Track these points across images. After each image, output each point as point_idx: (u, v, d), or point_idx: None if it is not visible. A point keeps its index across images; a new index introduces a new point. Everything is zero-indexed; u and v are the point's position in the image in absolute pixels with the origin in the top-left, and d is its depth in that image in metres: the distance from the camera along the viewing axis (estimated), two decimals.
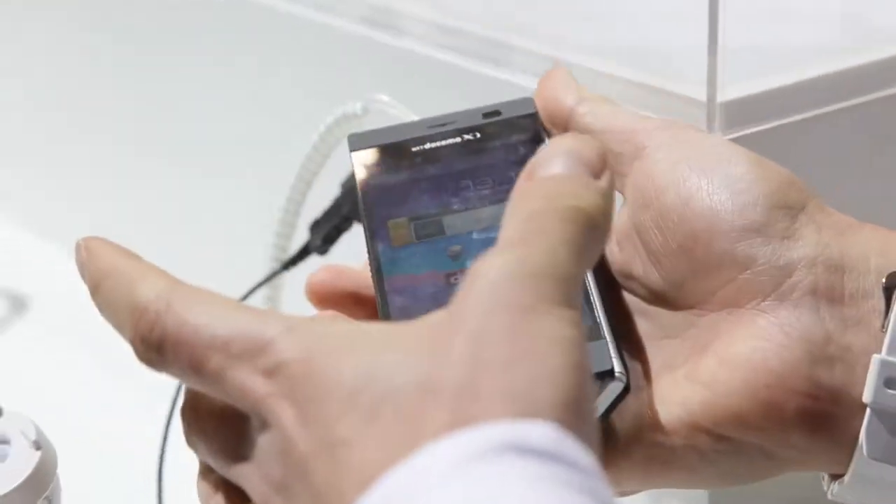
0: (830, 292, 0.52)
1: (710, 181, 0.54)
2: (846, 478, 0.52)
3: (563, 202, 0.44)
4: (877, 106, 0.69)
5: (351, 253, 0.70)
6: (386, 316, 0.53)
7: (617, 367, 0.51)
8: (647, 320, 0.56)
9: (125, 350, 0.45)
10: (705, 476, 0.53)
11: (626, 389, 0.50)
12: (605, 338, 0.52)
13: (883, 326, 0.51)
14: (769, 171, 0.55)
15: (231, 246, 0.96)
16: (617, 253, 0.57)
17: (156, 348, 0.45)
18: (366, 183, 0.58)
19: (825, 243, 0.53)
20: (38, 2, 1.13)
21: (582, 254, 0.43)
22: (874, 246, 0.53)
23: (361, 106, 0.68)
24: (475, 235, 0.56)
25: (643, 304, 0.56)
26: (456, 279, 0.53)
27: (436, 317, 0.43)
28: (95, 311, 0.47)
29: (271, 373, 0.43)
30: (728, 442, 0.52)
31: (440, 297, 0.52)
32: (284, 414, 0.42)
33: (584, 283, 0.53)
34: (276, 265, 0.74)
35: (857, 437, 0.51)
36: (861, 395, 0.51)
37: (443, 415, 0.40)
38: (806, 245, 0.53)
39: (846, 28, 0.76)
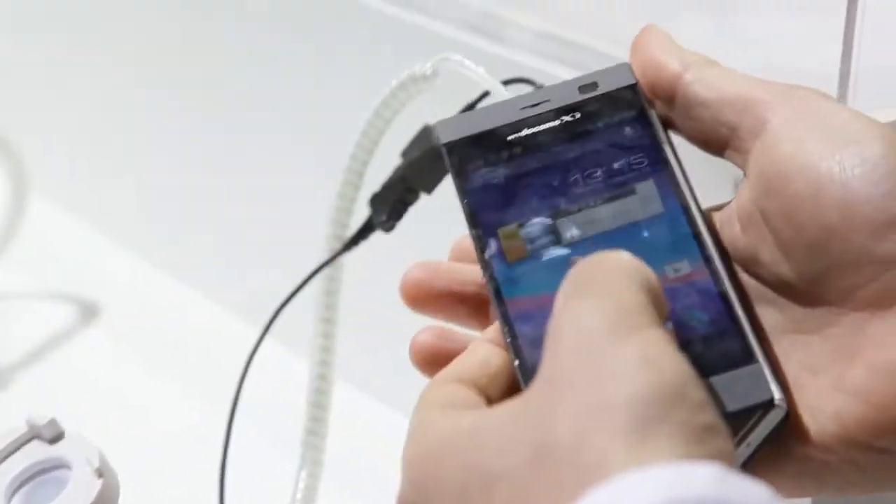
0: None
1: (841, 167, 0.49)
2: None
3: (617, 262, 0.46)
4: None
5: (420, 230, 0.66)
6: (517, 350, 0.49)
7: (776, 395, 0.47)
8: (775, 310, 0.51)
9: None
10: (862, 486, 0.49)
11: (787, 416, 0.47)
12: (758, 360, 0.48)
13: None
14: None
15: (291, 223, 0.91)
16: (740, 236, 0.52)
17: None
18: (464, 183, 0.53)
19: None
20: None
21: (645, 285, 0.45)
22: None
23: (431, 66, 0.61)
24: (593, 242, 0.51)
25: (769, 293, 0.51)
26: None
27: (530, 391, 0.44)
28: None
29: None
30: (887, 455, 0.48)
31: None
32: None
33: (725, 294, 0.50)
34: (337, 244, 0.68)
35: None
36: None
37: (568, 477, 0.41)
38: None
39: None
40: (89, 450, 0.65)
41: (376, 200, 0.65)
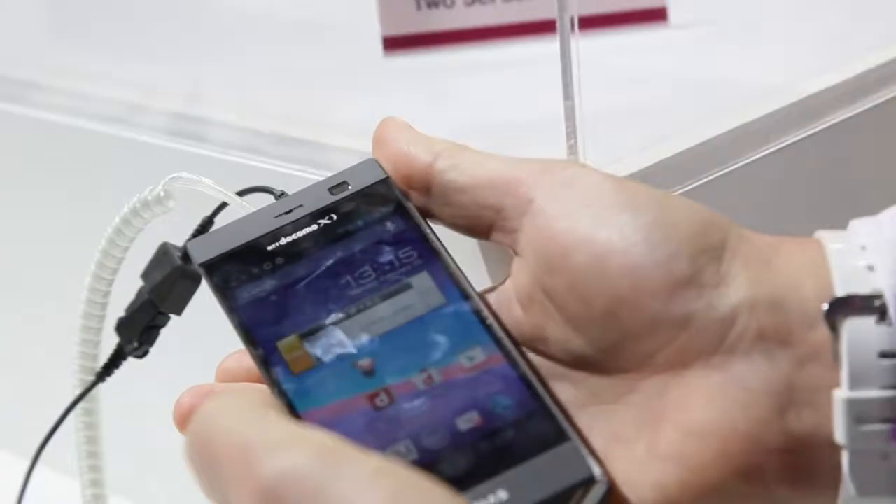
0: (777, 333, 0.48)
1: (621, 235, 0.49)
2: None
3: None
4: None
5: (174, 352, 0.64)
6: None
7: (596, 471, 0.47)
8: (569, 385, 0.51)
9: None
10: None
11: (608, 491, 0.47)
12: (571, 438, 0.47)
13: (834, 358, 0.48)
14: (681, 211, 0.50)
15: (41, 363, 0.87)
16: (521, 317, 0.52)
17: None
18: (232, 302, 0.52)
19: (758, 280, 0.49)
20: None
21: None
22: (802, 267, 0.49)
23: (163, 187, 0.59)
24: (380, 342, 0.50)
25: (561, 368, 0.51)
26: (381, 400, 0.49)
27: None
28: None
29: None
30: None
31: (374, 427, 0.48)
32: None
33: (524, 376, 0.49)
34: (91, 377, 0.65)
35: (839, 476, 0.48)
36: (833, 433, 0.48)
37: None
38: (740, 287, 0.48)
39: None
40: None
41: (123, 327, 0.62)
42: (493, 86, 0.74)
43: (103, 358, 0.65)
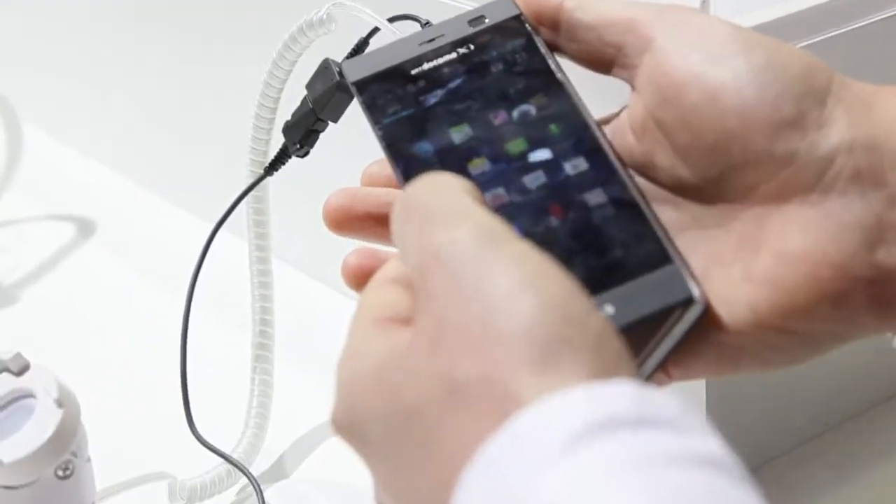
0: (872, 174, 0.51)
1: (734, 75, 0.52)
2: None
3: None
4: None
5: (329, 153, 0.71)
6: None
7: (695, 292, 0.50)
8: (673, 209, 0.54)
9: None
10: (776, 362, 0.53)
11: (705, 311, 0.50)
12: (673, 261, 0.50)
13: None
14: (790, 55, 0.53)
15: (216, 157, 0.95)
16: (634, 144, 0.55)
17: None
18: (377, 116, 0.56)
19: (857, 123, 0.52)
20: None
21: (481, 202, 0.48)
22: None
23: (326, 11, 0.65)
24: (506, 158, 0.54)
25: (667, 193, 0.54)
26: (513, 207, 0.53)
27: (422, 325, 0.46)
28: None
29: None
30: (797, 334, 0.52)
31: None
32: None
33: (633, 200, 0.52)
34: (259, 169, 0.73)
35: None
36: None
37: (480, 413, 0.43)
38: (840, 130, 0.51)
39: None
40: (49, 381, 0.71)
41: (289, 130, 0.70)
42: None
43: (272, 154, 0.73)
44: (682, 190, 0.54)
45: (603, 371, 0.43)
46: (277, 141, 0.72)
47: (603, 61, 0.57)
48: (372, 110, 0.57)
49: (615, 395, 0.41)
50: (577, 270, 0.50)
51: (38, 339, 0.95)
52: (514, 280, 0.44)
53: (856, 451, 0.79)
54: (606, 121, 0.57)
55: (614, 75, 0.57)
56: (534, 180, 0.54)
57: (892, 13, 0.69)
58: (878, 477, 0.78)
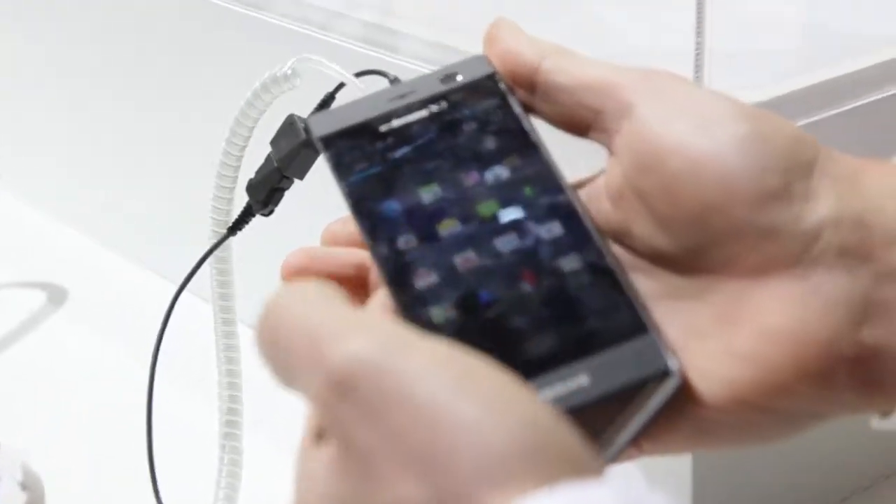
0: (860, 249, 0.50)
1: (718, 144, 0.51)
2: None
3: None
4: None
5: (292, 214, 0.69)
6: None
7: (672, 365, 0.48)
8: (650, 279, 0.52)
9: None
10: (754, 439, 0.52)
11: (682, 385, 0.48)
12: (648, 331, 0.49)
13: None
14: (776, 126, 0.51)
15: (183, 216, 0.95)
16: (610, 210, 0.54)
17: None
18: (343, 173, 0.55)
19: (845, 197, 0.50)
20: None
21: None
22: (887, 188, 0.51)
23: (291, 66, 0.64)
24: (477, 221, 0.53)
25: (644, 263, 0.53)
26: (473, 276, 0.51)
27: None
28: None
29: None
30: (779, 411, 0.50)
31: (464, 303, 0.50)
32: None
33: (609, 267, 0.51)
34: (222, 229, 0.71)
35: None
36: None
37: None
38: (827, 203, 0.50)
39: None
40: (14, 464, 0.69)
41: (253, 188, 0.68)
42: (626, 17, 0.75)
43: (235, 213, 0.71)
44: (659, 259, 0.52)
45: (575, 472, 0.41)
46: (243, 198, 0.70)
47: (580, 125, 0.55)
48: (338, 167, 0.55)
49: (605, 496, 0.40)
50: (549, 338, 0.49)
51: (3, 410, 0.93)
52: (444, 386, 0.42)
53: None
54: (581, 184, 0.56)
55: (591, 139, 0.55)
56: (506, 244, 0.52)
57: (891, 93, 0.68)
58: None
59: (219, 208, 0.71)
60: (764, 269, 0.50)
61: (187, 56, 0.96)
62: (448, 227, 0.53)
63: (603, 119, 0.54)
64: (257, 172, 0.67)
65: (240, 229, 0.71)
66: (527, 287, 0.51)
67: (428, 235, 0.52)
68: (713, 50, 0.64)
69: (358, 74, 0.62)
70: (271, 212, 0.68)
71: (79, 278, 1.13)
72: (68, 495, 0.77)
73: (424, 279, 0.51)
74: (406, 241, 0.52)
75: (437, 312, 0.50)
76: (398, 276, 0.51)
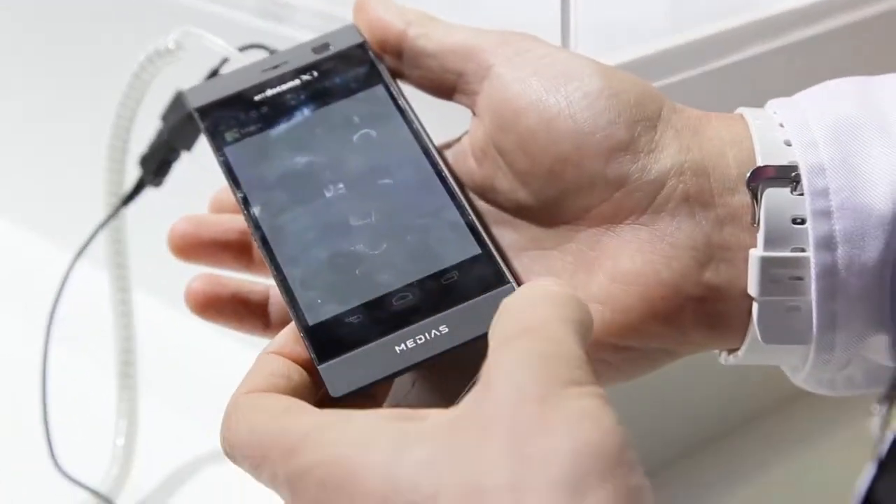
0: (701, 195, 0.53)
1: (568, 101, 0.53)
2: (740, 353, 0.54)
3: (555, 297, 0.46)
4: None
5: (185, 182, 0.71)
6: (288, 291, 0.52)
7: None
8: (513, 231, 0.55)
9: None
10: (612, 378, 0.54)
11: None
12: (510, 282, 0.51)
13: (753, 221, 0.52)
14: (623, 83, 0.54)
15: (80, 186, 0.95)
16: (475, 168, 0.56)
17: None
18: (218, 142, 0.57)
19: (686, 147, 0.53)
20: None
21: (581, 334, 0.45)
22: (726, 137, 0.54)
23: (174, 39, 0.65)
24: (345, 185, 0.55)
25: (506, 216, 0.56)
26: (345, 238, 0.53)
27: (457, 414, 0.43)
28: None
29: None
30: (632, 350, 0.53)
31: (337, 262, 0.52)
32: None
33: (472, 223, 0.53)
34: (115, 199, 0.73)
35: (748, 322, 0.53)
36: (746, 287, 0.52)
37: None
38: (670, 154, 0.53)
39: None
40: None
41: (144, 161, 0.69)
42: None
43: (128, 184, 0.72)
44: (521, 213, 0.55)
45: None
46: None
47: (445, 88, 0.58)
48: (214, 136, 0.57)
49: None
50: (413, 292, 0.51)
51: None
52: (573, 410, 0.42)
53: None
54: (449, 145, 0.58)
55: (456, 101, 0.58)
56: (374, 204, 0.54)
57: (749, 54, 0.71)
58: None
59: (112, 180, 0.72)
60: (614, 217, 0.53)
61: (79, 26, 0.96)
62: (318, 191, 0.55)
63: (465, 81, 0.56)
64: (148, 146, 0.69)
65: (132, 200, 0.72)
66: (393, 244, 0.53)
67: (298, 199, 0.54)
68: (581, 21, 0.65)
69: (241, 48, 0.64)
70: (160, 183, 0.70)
71: None
72: None
73: (296, 241, 0.53)
74: (278, 205, 0.54)
75: (309, 273, 0.52)
76: (270, 238, 0.53)
